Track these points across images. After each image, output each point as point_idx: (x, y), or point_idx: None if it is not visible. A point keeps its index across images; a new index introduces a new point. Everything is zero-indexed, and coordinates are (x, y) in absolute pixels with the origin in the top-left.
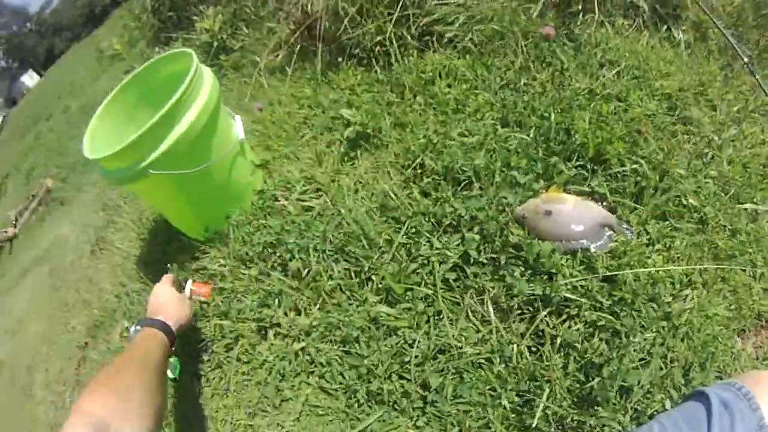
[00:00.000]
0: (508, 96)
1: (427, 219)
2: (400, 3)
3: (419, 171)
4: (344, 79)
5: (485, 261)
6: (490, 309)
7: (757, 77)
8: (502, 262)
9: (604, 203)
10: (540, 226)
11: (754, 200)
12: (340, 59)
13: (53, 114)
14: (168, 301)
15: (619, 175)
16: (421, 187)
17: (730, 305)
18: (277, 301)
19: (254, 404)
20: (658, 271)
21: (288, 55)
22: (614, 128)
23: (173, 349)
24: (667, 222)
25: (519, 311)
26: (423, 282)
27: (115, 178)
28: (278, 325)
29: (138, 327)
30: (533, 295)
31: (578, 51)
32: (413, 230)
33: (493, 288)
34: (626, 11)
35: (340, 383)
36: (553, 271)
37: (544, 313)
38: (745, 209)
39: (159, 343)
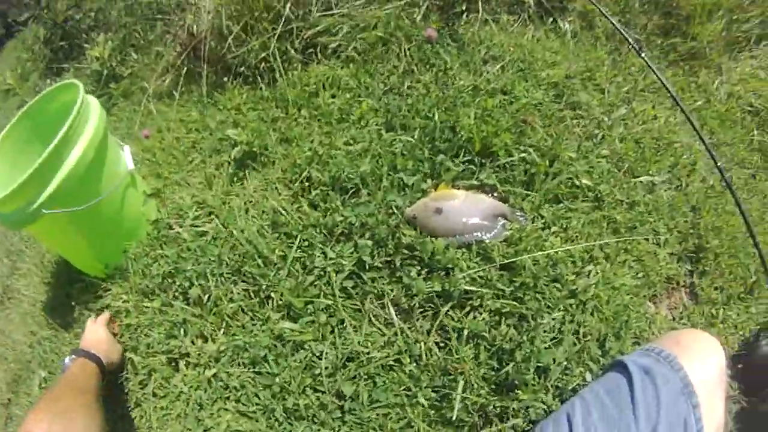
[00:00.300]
0: (392, 101)
1: (318, 230)
2: (284, 17)
3: (307, 184)
4: (230, 99)
5: (380, 265)
6: (392, 311)
7: (644, 57)
8: (398, 264)
9: (495, 194)
10: (432, 224)
11: (650, 172)
12: (225, 79)
13: None
14: (100, 338)
15: (507, 166)
16: (309, 200)
17: (637, 274)
18: (182, 330)
19: None
20: (557, 252)
21: (175, 78)
22: (500, 121)
23: (103, 383)
24: (562, 204)
25: (421, 309)
26: (322, 293)
27: (9, 222)
28: (187, 354)
29: (72, 356)
30: (432, 292)
31: (462, 50)
32: (306, 243)
33: (392, 290)
34: (511, 7)
35: (257, 404)
36: (450, 266)
37: (446, 308)
38: (641, 182)
39: (93, 372)
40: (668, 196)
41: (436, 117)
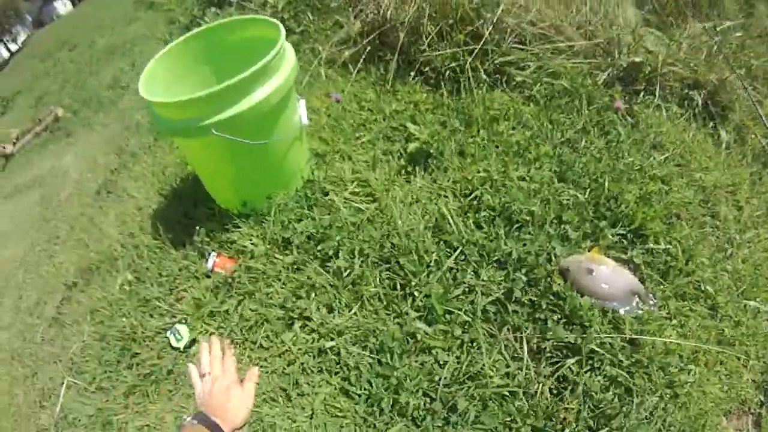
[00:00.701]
0: (566, 153)
1: (477, 250)
2: (483, 38)
3: (476, 203)
4: (410, 93)
5: (526, 302)
6: (525, 347)
7: None
8: (543, 306)
9: (636, 273)
10: (581, 281)
11: (758, 299)
12: (410, 73)
13: (78, 45)
14: (232, 403)
15: (653, 251)
16: (476, 219)
17: (723, 387)
18: (311, 294)
19: (266, 392)
20: (672, 343)
21: (355, 53)
22: (656, 207)
23: None
24: (686, 302)
25: (549, 354)
26: (464, 309)
27: (170, 128)
28: (308, 318)
29: (193, 420)
30: (565, 341)
31: (635, 127)
32: (463, 257)
33: (528, 328)
34: (681, 101)
35: (365, 389)
36: (586, 324)
37: (573, 360)
38: (750, 305)
39: None
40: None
41: (606, 183)
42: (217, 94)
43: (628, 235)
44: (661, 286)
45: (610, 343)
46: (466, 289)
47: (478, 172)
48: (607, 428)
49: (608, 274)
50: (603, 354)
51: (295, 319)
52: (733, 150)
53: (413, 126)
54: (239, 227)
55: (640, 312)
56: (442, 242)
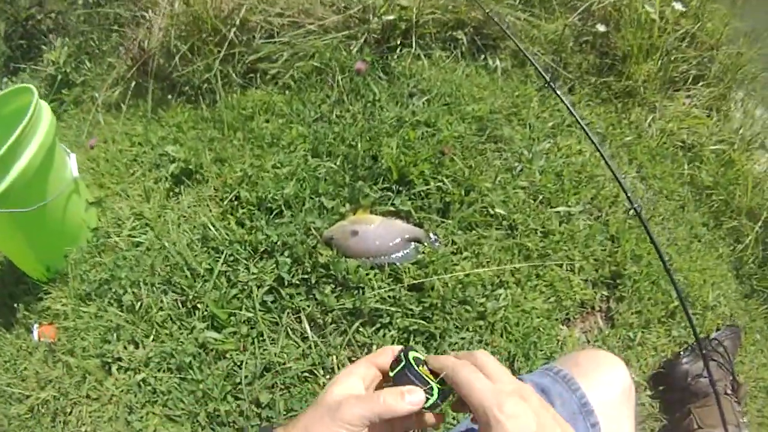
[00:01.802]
0: (320, 128)
1: (243, 247)
2: (228, 40)
3: (236, 202)
4: (173, 116)
5: (298, 282)
6: (307, 326)
7: (553, 86)
8: (313, 282)
9: (411, 220)
10: (348, 245)
11: (568, 204)
12: (170, 96)
13: None
14: (317, 407)
15: (423, 194)
16: (237, 218)
17: (548, 298)
18: (116, 335)
19: None
20: (466, 276)
21: (124, 91)
22: (420, 152)
23: None
24: (474, 231)
25: (334, 325)
26: (244, 306)
27: None
28: (119, 359)
29: None
30: (344, 309)
31: (391, 83)
32: (232, 258)
33: (308, 306)
34: (445, 44)
35: (182, 409)
36: (362, 285)
37: (356, 324)
38: (557, 212)
39: None
40: (585, 226)
41: (359, 145)
42: None
43: (394, 186)
44: (444, 224)
45: (393, 296)
46: (243, 287)
47: (235, 173)
48: None
49: (375, 230)
50: (386, 309)
51: (110, 363)
52: (512, 74)
53: (172, 148)
54: (50, 293)
55: (421, 256)
56: (210, 250)
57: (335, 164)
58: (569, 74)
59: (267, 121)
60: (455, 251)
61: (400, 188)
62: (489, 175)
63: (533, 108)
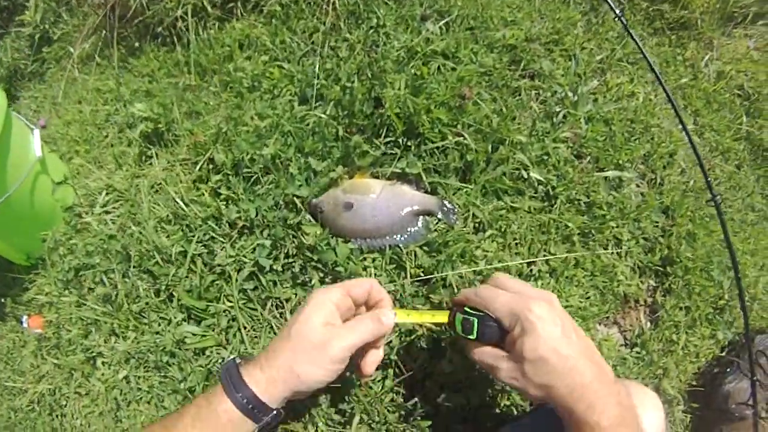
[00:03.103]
0: (308, 66)
1: (218, 224)
2: None
3: (210, 167)
4: (146, 65)
5: (280, 269)
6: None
7: (622, 19)
8: (297, 269)
9: (420, 185)
10: (340, 221)
11: (619, 163)
12: (143, 42)
13: None
14: (294, 340)
15: (438, 151)
16: (212, 187)
17: (586, 293)
18: (95, 328)
19: None
20: (490, 264)
21: (95, 41)
22: (434, 93)
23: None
24: (502, 201)
25: None
26: (223, 295)
27: None
28: (102, 353)
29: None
30: None
31: (399, 3)
32: (207, 237)
33: (295, 296)
34: None
35: (165, 409)
36: (355, 275)
37: None
38: (605, 178)
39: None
40: (637, 196)
41: (356, 86)
42: None
43: (400, 140)
44: (462, 191)
45: (394, 291)
46: (221, 272)
47: (209, 129)
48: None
49: (375, 202)
50: None
51: (95, 357)
52: None
53: (139, 105)
54: (35, 281)
55: (431, 235)
56: (184, 227)
57: (324, 113)
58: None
59: (248, 58)
60: (476, 228)
61: (408, 143)
62: (523, 125)
63: (578, 36)
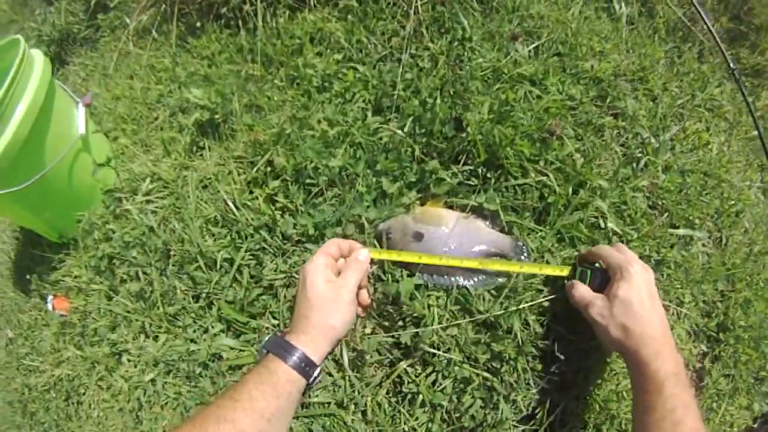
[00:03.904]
0: (386, 72)
1: (271, 234)
2: None
3: (268, 170)
4: (207, 46)
5: None
6: (344, 351)
7: (737, 74)
8: None
9: (497, 223)
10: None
11: (689, 218)
12: (205, 21)
13: None
14: (315, 302)
15: (518, 188)
16: (268, 193)
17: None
18: (125, 323)
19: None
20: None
21: (153, 15)
22: (519, 123)
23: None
24: (576, 249)
25: (377, 357)
26: (268, 311)
27: None
28: (128, 351)
29: (264, 350)
30: (392, 339)
31: (487, 17)
32: (257, 247)
33: None
34: None
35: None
36: (418, 315)
37: (405, 364)
38: (678, 234)
39: (282, 391)
40: (703, 256)
41: (438, 103)
42: None
43: (479, 170)
44: (539, 234)
45: (455, 336)
46: (268, 286)
47: (271, 128)
48: None
49: (447, 236)
50: (443, 354)
51: (121, 353)
52: (638, 25)
53: (195, 92)
54: (64, 262)
55: (501, 280)
56: (233, 233)
57: (402, 130)
58: (703, 37)
59: (319, 54)
60: (547, 277)
61: (488, 174)
62: (606, 169)
63: (660, 75)
